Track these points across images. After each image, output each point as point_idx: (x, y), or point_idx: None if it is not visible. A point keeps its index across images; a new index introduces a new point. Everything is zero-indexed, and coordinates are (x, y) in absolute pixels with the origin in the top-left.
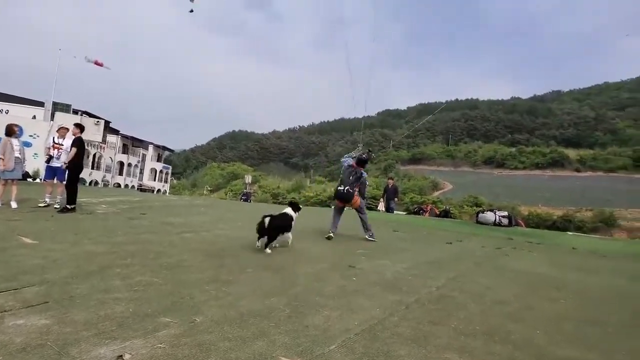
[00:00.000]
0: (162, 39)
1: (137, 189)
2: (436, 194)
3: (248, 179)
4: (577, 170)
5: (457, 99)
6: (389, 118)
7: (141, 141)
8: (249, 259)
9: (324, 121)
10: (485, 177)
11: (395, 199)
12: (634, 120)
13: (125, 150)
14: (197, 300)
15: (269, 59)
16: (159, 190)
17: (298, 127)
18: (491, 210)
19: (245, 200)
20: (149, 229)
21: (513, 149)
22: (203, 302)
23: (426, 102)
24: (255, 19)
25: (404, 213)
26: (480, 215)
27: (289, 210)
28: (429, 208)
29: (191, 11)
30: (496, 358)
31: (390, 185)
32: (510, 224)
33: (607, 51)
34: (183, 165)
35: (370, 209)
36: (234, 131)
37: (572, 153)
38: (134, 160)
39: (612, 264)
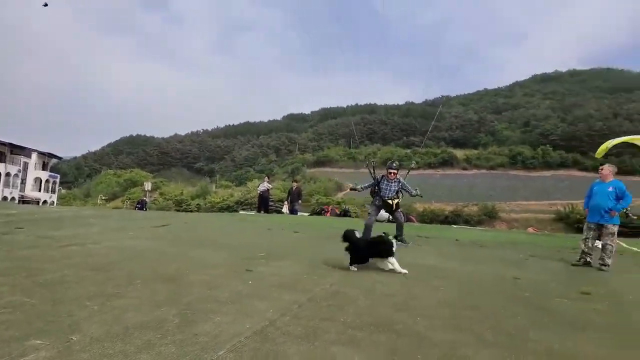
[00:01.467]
0: (55, 40)
1: (19, 201)
2: (340, 194)
3: (147, 186)
4: (464, 169)
5: (357, 104)
6: (293, 122)
7: (22, 148)
8: (138, 270)
9: (229, 125)
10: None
11: (299, 200)
12: (509, 123)
13: (1, 158)
14: (75, 317)
15: (169, 62)
16: (45, 202)
17: (202, 131)
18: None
19: (141, 208)
20: (24, 244)
21: (408, 150)
22: (83, 319)
23: (328, 107)
24: (153, 21)
25: (308, 214)
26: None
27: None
28: (330, 209)
29: (45, 5)
30: (380, 347)
31: (294, 188)
32: (405, 220)
33: (486, 61)
34: (74, 174)
35: (275, 211)
36: (131, 136)
37: (459, 153)
38: (13, 169)
39: (489, 252)
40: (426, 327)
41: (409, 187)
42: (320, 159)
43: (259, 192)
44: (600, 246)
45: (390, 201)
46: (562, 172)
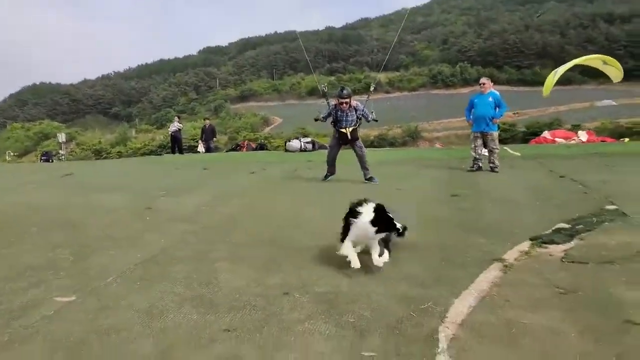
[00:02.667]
0: None
1: None
2: (267, 129)
3: (61, 137)
4: (387, 92)
5: (276, 32)
6: (211, 56)
7: None
8: (36, 219)
9: (142, 64)
10: (311, 108)
11: (214, 138)
12: (428, 42)
13: None
14: None
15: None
16: None
17: (113, 73)
18: (297, 138)
19: (47, 160)
20: None
21: (332, 78)
22: None
23: (247, 37)
24: None
25: (225, 151)
26: (288, 144)
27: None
28: (245, 144)
29: None
30: (260, 259)
31: (207, 126)
32: (314, 148)
33: None
34: None
35: (190, 147)
36: (35, 84)
37: (382, 76)
38: None
39: (387, 170)
40: (304, 237)
41: (367, 113)
42: (243, 93)
43: (170, 133)
44: (486, 152)
45: (344, 130)
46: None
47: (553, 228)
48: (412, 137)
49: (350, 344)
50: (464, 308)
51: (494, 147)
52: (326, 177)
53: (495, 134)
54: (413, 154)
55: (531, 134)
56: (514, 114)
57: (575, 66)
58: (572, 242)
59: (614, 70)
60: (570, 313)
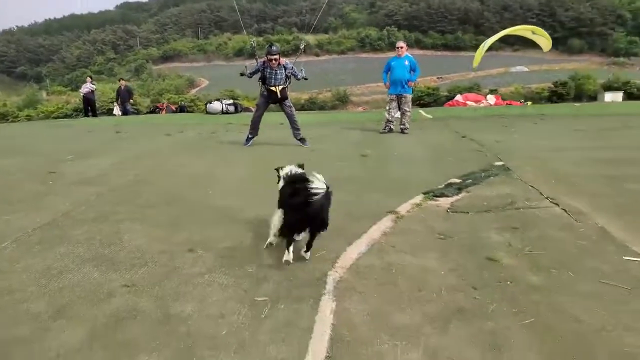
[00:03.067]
0: None
1: None
2: (193, 91)
3: None
4: (317, 55)
5: None
6: (130, 12)
7: None
8: None
9: (50, 19)
10: (239, 69)
11: (131, 100)
12: (356, 5)
13: None
14: None
15: None
16: None
17: (16, 28)
18: (218, 100)
19: None
20: None
21: (261, 38)
22: None
23: None
24: None
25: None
26: (209, 105)
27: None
28: (164, 105)
29: None
30: (164, 217)
31: (122, 87)
32: (236, 111)
33: None
34: None
35: (108, 110)
36: None
37: (311, 38)
38: None
39: (309, 132)
40: (213, 197)
41: (297, 71)
42: (167, 53)
43: (81, 94)
44: (399, 115)
45: (273, 88)
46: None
47: (445, 183)
48: (341, 101)
49: (245, 292)
50: (353, 254)
51: (407, 109)
52: (248, 140)
53: (410, 96)
54: (337, 117)
55: (452, 98)
56: (437, 78)
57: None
58: (459, 195)
59: (543, 40)
60: (444, 254)
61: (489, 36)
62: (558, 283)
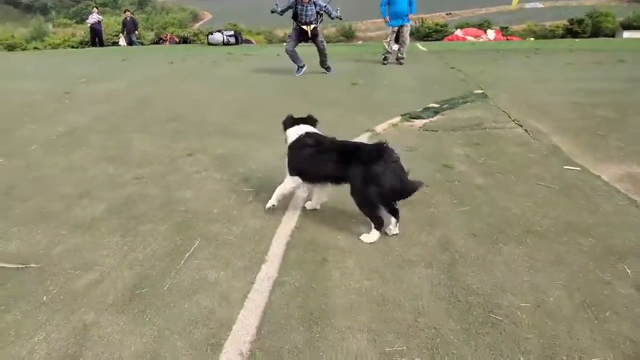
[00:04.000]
0: None
1: None
2: (197, 25)
3: None
4: None
5: None
6: None
7: None
8: None
9: None
10: (245, 3)
11: (136, 31)
12: None
13: None
14: None
15: None
16: None
17: None
18: (219, 31)
19: None
20: None
21: None
22: None
23: None
24: None
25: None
26: (210, 37)
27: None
28: (168, 37)
29: None
30: (168, 132)
31: (128, 19)
32: (237, 42)
33: None
34: None
35: (114, 44)
36: None
37: None
38: None
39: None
40: (214, 117)
41: (330, 9)
42: None
43: (88, 24)
44: (396, 47)
45: (305, 27)
46: None
47: (424, 107)
48: (346, 37)
49: (235, 184)
50: None
51: (406, 40)
52: (298, 69)
53: (409, 26)
54: (336, 49)
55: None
56: (446, 14)
57: None
58: (434, 117)
59: None
60: (407, 162)
61: None
62: (499, 184)
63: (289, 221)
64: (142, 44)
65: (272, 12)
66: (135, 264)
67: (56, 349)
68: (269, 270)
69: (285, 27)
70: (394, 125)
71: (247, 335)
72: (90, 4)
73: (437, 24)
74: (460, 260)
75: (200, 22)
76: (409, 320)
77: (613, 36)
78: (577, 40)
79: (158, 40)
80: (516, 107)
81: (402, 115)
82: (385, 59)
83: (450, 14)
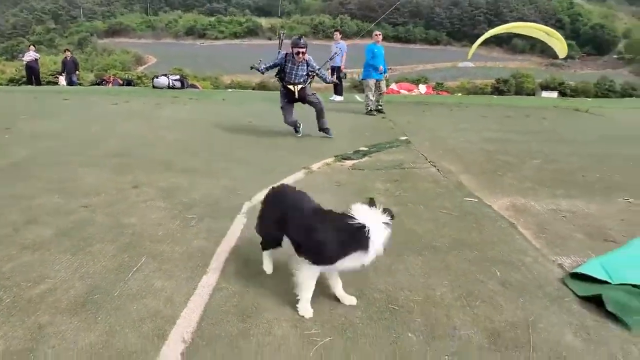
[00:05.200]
0: None
1: None
2: (141, 68)
3: None
4: (269, 39)
5: None
6: None
7: None
8: None
9: None
10: (189, 48)
11: (77, 72)
12: None
13: None
14: None
15: None
16: None
17: None
18: (165, 75)
19: None
20: None
21: (212, 19)
22: None
23: None
24: None
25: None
26: (155, 80)
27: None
28: (111, 79)
29: None
30: (115, 165)
31: (68, 58)
32: (183, 86)
33: None
34: None
35: (48, 83)
36: None
37: (264, 22)
38: None
39: (251, 108)
40: (156, 154)
41: (325, 74)
42: (113, 27)
43: (24, 62)
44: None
45: (291, 86)
46: (358, 41)
47: (355, 149)
48: None
49: (179, 212)
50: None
51: (383, 90)
52: (297, 131)
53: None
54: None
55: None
56: (388, 69)
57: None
58: (363, 159)
59: (558, 44)
60: (336, 194)
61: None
62: (409, 211)
63: (230, 242)
64: (81, 84)
65: (252, 68)
66: (86, 277)
67: (14, 344)
68: (209, 279)
69: (231, 74)
70: (328, 164)
71: (189, 327)
72: (23, 41)
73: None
74: (374, 269)
75: (145, 66)
76: (325, 312)
77: (533, 94)
78: (494, 96)
79: (100, 82)
80: (434, 151)
81: (335, 156)
82: (369, 109)
83: (391, 68)
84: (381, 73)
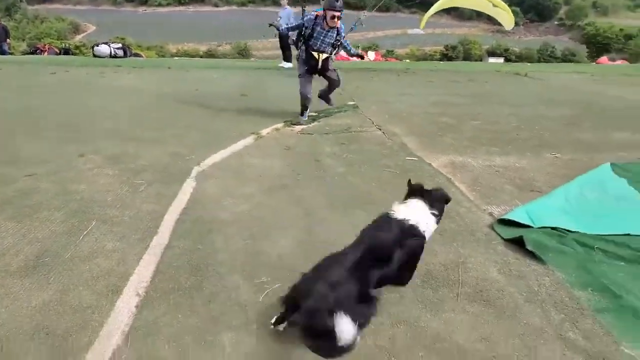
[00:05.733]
0: None
1: None
2: (79, 37)
3: None
4: (216, 6)
5: None
6: None
7: None
8: None
9: None
10: (130, 16)
11: (7, 40)
12: None
13: None
14: None
15: None
16: None
17: None
18: (105, 43)
19: None
20: None
21: None
22: None
23: None
24: None
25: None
26: (96, 48)
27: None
28: (47, 47)
29: None
30: (58, 135)
31: None
32: (125, 55)
33: None
34: None
35: None
36: None
37: None
38: None
39: (201, 74)
40: (101, 123)
41: (349, 45)
42: None
43: None
44: None
45: (316, 54)
46: (307, 8)
47: None
48: (242, 55)
49: (127, 178)
50: (217, 158)
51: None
52: (303, 113)
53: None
54: (236, 63)
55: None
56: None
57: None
58: (312, 124)
59: (504, 15)
60: (285, 158)
61: None
62: (355, 171)
63: (179, 204)
64: (12, 54)
65: (271, 25)
66: (34, 242)
67: None
68: (160, 240)
69: (178, 42)
70: (277, 129)
71: (142, 282)
72: None
73: None
74: (318, 223)
75: (83, 34)
76: (274, 263)
77: (481, 60)
78: (441, 62)
79: (34, 51)
80: (380, 115)
81: (284, 122)
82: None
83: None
84: None
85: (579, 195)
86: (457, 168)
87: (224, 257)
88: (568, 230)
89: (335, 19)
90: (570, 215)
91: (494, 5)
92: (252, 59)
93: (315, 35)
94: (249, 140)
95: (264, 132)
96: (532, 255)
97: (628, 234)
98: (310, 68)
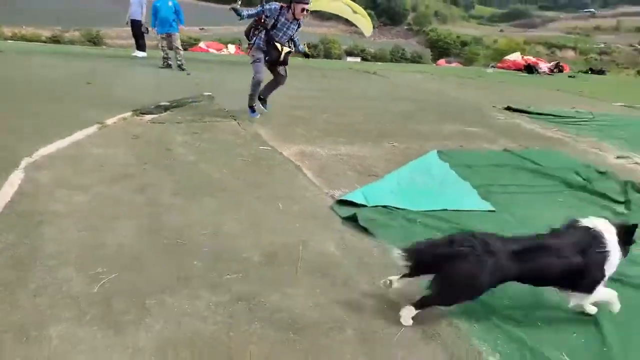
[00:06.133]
0: None
1: None
2: None
3: None
4: None
5: None
6: None
7: None
8: None
9: None
10: None
11: None
12: None
13: None
14: None
15: None
16: None
17: None
18: None
19: None
20: None
21: None
22: None
23: None
24: None
25: None
26: None
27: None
28: None
29: None
30: None
31: None
32: None
33: None
34: None
35: None
36: None
37: None
38: None
39: (82, 64)
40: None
41: (298, 40)
42: None
43: None
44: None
45: (279, 46)
46: None
47: (156, 104)
48: (93, 43)
49: None
50: (52, 148)
51: (178, 47)
52: (252, 110)
53: (177, 34)
54: (83, 50)
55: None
56: (200, 29)
57: None
58: (164, 113)
59: (364, 22)
60: (132, 147)
61: None
62: (207, 160)
63: (4, 197)
64: None
65: (232, 9)
66: None
67: None
68: None
69: (13, 25)
70: (124, 119)
71: None
72: None
73: (190, 38)
74: (164, 211)
75: None
76: (113, 254)
77: (340, 59)
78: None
79: None
80: (236, 106)
81: (133, 111)
82: (163, 63)
83: (203, 29)
84: (171, 26)
85: (408, 177)
86: (306, 156)
87: (54, 250)
88: (397, 208)
89: (304, 12)
90: (400, 195)
91: (354, 12)
92: (104, 47)
93: (278, 26)
94: (92, 129)
95: (110, 121)
96: (366, 231)
97: (445, 209)
98: (272, 59)
